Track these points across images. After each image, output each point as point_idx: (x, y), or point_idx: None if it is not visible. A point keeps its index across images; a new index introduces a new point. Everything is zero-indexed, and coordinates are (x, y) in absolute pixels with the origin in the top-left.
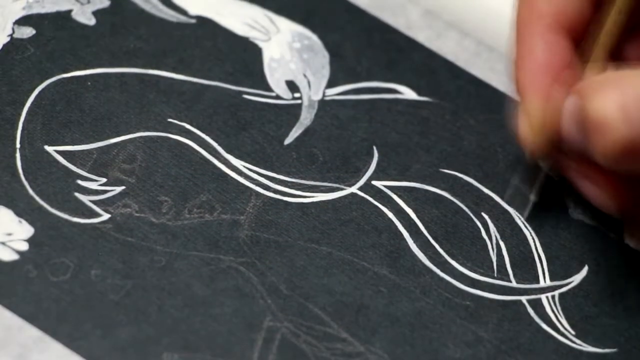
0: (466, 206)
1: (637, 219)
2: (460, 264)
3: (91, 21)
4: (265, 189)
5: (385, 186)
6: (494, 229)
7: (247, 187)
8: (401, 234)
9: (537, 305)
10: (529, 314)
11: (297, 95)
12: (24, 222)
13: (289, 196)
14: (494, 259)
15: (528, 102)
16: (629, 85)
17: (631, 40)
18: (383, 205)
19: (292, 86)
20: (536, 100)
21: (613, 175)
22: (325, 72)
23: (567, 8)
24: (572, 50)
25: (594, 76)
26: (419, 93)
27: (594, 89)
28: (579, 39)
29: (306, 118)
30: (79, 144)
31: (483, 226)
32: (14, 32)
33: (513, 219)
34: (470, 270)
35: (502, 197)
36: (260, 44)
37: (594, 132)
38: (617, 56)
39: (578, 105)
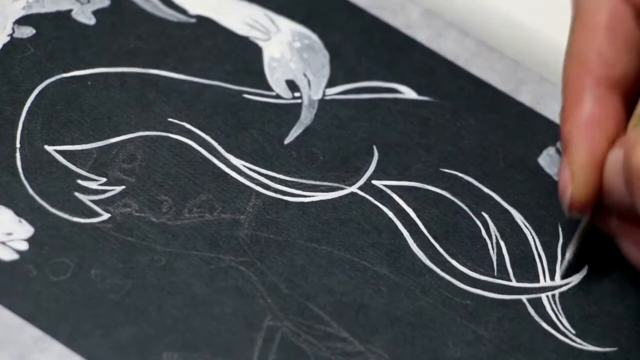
0: (466, 205)
1: None
2: (461, 264)
3: (91, 21)
4: (265, 188)
5: (385, 186)
6: (494, 228)
7: (247, 187)
8: (401, 234)
9: (537, 304)
10: (529, 313)
11: (297, 94)
12: (24, 221)
13: (289, 195)
14: (494, 258)
15: (573, 154)
16: None
17: None
18: (383, 204)
19: (292, 86)
20: (582, 152)
21: None
22: (326, 72)
23: (618, 63)
24: (622, 107)
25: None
26: (419, 93)
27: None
28: (630, 97)
29: (306, 117)
30: (79, 144)
31: (483, 225)
32: (14, 31)
33: (513, 219)
34: (471, 269)
35: (502, 197)
36: (261, 44)
37: (637, 185)
38: None
39: (625, 157)
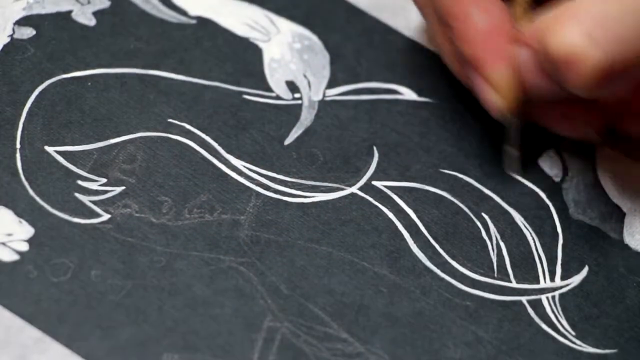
0: (466, 206)
1: (621, 132)
2: (461, 265)
3: (91, 22)
4: (265, 189)
5: (385, 186)
6: (494, 229)
7: (248, 187)
8: (401, 234)
9: (537, 305)
10: (529, 314)
11: (297, 95)
12: (24, 222)
13: (289, 196)
14: (494, 259)
15: (486, 70)
16: (584, 11)
17: None
18: (383, 205)
19: (292, 86)
20: (496, 66)
21: (583, 105)
22: (326, 73)
23: None
24: (504, 5)
25: (540, 19)
26: (419, 94)
27: (550, 27)
28: None
29: (306, 118)
30: (79, 145)
31: (483, 226)
32: (14, 32)
33: (513, 220)
34: (471, 270)
35: (502, 198)
36: (261, 45)
37: (565, 68)
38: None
39: (540, 50)
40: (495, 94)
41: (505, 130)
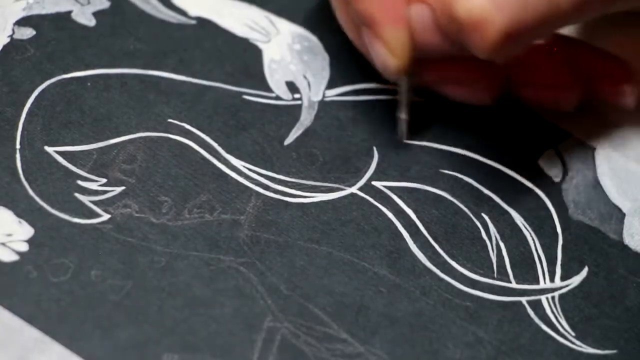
0: (466, 207)
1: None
2: (460, 265)
3: (91, 22)
4: (265, 189)
5: (385, 186)
6: (494, 229)
7: (247, 187)
8: (401, 235)
9: (537, 306)
10: (528, 315)
11: (297, 96)
12: (24, 222)
13: (289, 196)
14: (493, 259)
15: (380, 28)
16: None
17: None
18: (383, 205)
19: (292, 87)
20: (388, 23)
21: (473, 65)
22: (325, 74)
23: None
24: None
25: None
26: (418, 94)
27: None
28: None
29: (306, 119)
30: (79, 145)
31: (483, 227)
32: (14, 32)
33: (513, 220)
34: (470, 271)
35: (502, 198)
36: (261, 46)
37: (471, 31)
38: None
39: (443, 11)
40: (388, 52)
41: (398, 96)
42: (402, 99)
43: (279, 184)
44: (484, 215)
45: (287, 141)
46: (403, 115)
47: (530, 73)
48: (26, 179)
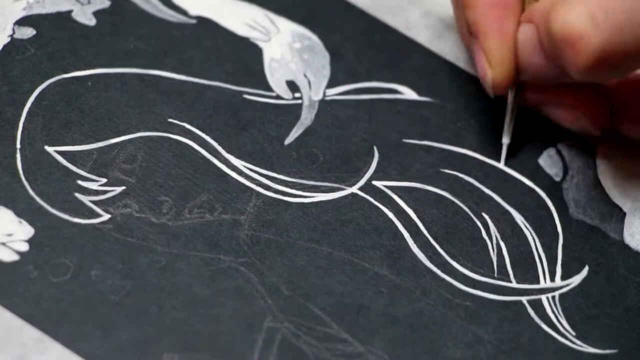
0: (467, 206)
1: (615, 127)
2: (461, 265)
3: (91, 21)
4: (265, 188)
5: (385, 186)
6: (495, 229)
7: (248, 187)
8: (401, 234)
9: (537, 305)
10: (529, 314)
11: (297, 95)
12: (24, 222)
13: (289, 196)
14: (494, 259)
15: (486, 39)
16: None
17: None
18: (383, 205)
19: (292, 86)
20: (495, 36)
21: (580, 93)
22: (326, 72)
23: None
24: None
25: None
26: (419, 93)
27: (554, 5)
28: None
29: (306, 118)
30: (79, 144)
31: (483, 226)
32: (14, 32)
33: (513, 219)
34: (471, 270)
35: (502, 197)
36: (261, 44)
37: (566, 48)
38: None
39: (542, 27)
40: (488, 64)
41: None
42: (505, 120)
43: (279, 184)
44: (484, 214)
45: (288, 141)
46: (506, 140)
47: (632, 106)
48: (26, 179)
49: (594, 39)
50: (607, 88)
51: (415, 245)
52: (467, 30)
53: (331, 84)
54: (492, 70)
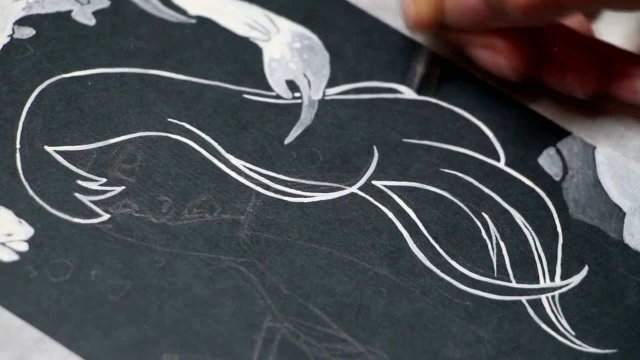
0: (466, 206)
1: (540, 74)
2: (460, 264)
3: (91, 21)
4: (265, 188)
5: (385, 186)
6: (494, 229)
7: (247, 187)
8: (401, 234)
9: (537, 305)
10: (529, 314)
11: (297, 94)
12: (24, 222)
13: (289, 196)
14: (494, 259)
15: None
16: None
17: None
18: (383, 205)
19: (292, 86)
20: None
21: (504, 35)
22: (326, 72)
23: None
24: None
25: None
26: (419, 93)
27: None
28: None
29: (306, 117)
30: (79, 144)
31: (483, 226)
32: (14, 32)
33: (513, 219)
34: (470, 270)
35: (502, 197)
36: (261, 44)
37: None
38: None
39: None
40: (415, 2)
41: (416, 47)
42: (422, 53)
43: (279, 184)
44: (484, 214)
45: (287, 140)
46: (421, 69)
47: (555, 52)
48: (26, 179)
49: None
50: (534, 35)
51: (414, 245)
52: None
53: (331, 83)
54: (416, 6)
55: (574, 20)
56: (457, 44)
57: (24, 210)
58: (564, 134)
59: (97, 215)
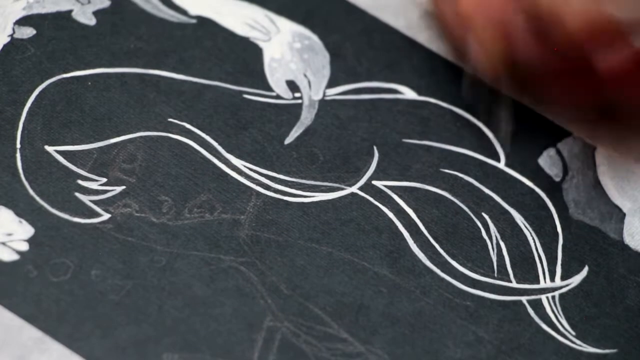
0: (466, 206)
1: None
2: (461, 264)
3: (91, 21)
4: (265, 188)
5: (385, 186)
6: (494, 229)
7: (248, 187)
8: (401, 234)
9: (537, 305)
10: (529, 314)
11: (297, 95)
12: (24, 222)
13: (289, 196)
14: (494, 259)
15: (480, 30)
16: None
17: None
18: (383, 205)
19: (292, 86)
20: (486, 25)
21: (578, 77)
22: (326, 72)
23: None
24: None
25: None
26: (419, 93)
27: None
28: None
29: (306, 118)
30: (79, 144)
31: (483, 226)
32: (14, 32)
33: (513, 219)
34: (471, 270)
35: (502, 197)
36: (261, 44)
37: (550, 20)
38: None
39: (531, 8)
40: (483, 52)
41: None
42: (501, 110)
43: (279, 184)
44: (484, 214)
45: (288, 140)
46: (508, 127)
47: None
48: (26, 179)
49: (575, 8)
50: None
51: (415, 245)
52: (457, 23)
53: (331, 83)
54: (488, 56)
55: None
56: (531, 89)
57: (25, 209)
58: (564, 134)
59: (98, 215)
